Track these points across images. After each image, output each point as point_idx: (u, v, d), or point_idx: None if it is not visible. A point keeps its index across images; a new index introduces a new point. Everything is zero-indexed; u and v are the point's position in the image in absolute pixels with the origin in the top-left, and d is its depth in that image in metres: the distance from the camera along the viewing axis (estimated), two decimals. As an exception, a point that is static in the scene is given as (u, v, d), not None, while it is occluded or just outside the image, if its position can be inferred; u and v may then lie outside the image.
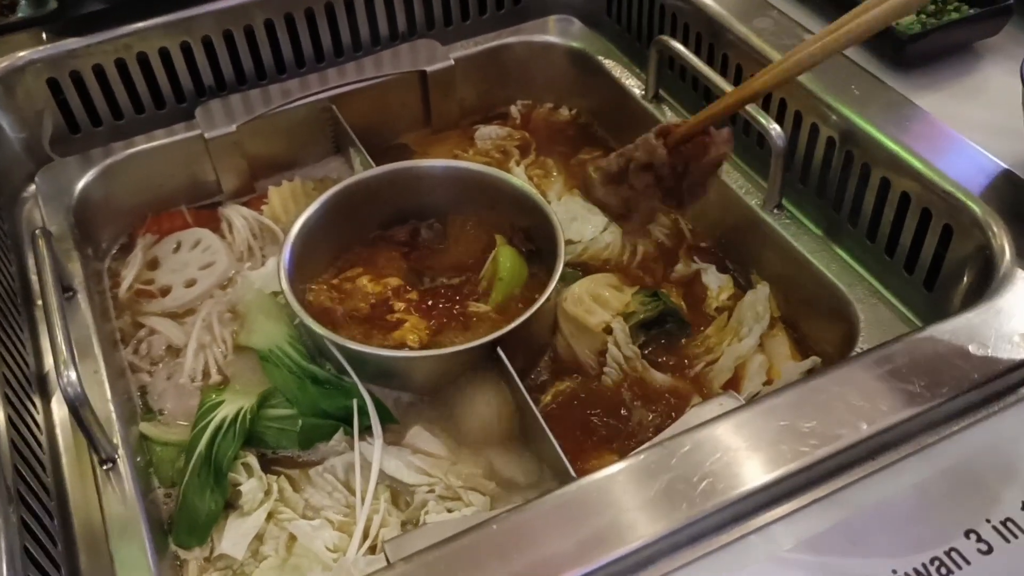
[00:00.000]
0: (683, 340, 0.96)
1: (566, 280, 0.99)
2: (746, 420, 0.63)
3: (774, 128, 0.90)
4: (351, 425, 0.84)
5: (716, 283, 1.00)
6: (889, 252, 0.87)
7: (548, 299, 0.89)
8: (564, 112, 1.26)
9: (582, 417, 0.90)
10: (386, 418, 0.85)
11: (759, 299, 0.94)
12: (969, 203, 0.78)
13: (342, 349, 0.85)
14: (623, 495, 0.59)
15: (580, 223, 1.06)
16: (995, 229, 0.76)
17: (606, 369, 0.93)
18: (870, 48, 0.95)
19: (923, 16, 0.95)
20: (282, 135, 1.13)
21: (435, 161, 1.02)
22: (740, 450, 0.61)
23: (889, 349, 0.67)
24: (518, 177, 1.14)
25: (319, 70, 1.17)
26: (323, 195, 0.96)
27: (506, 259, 0.99)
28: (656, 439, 0.75)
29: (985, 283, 0.74)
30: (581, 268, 1.03)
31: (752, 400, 0.65)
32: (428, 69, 1.16)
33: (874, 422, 0.62)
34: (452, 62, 1.17)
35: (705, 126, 0.86)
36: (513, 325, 0.84)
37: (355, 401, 0.84)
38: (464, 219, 1.05)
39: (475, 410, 0.85)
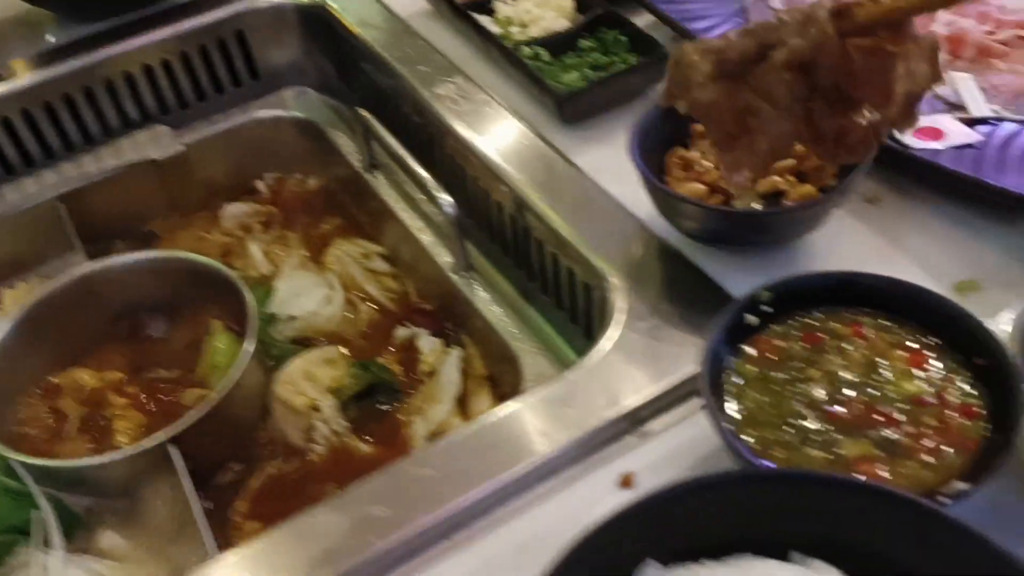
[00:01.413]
0: (395, 407, 0.98)
1: (286, 357, 1.00)
2: (339, 505, 0.65)
3: (443, 199, 0.92)
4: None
5: (428, 346, 1.01)
6: (560, 304, 0.90)
7: (239, 384, 0.90)
8: (311, 183, 1.27)
9: (290, 499, 0.91)
10: (71, 525, 0.86)
11: (451, 363, 0.96)
12: (599, 264, 0.81)
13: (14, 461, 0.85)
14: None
15: (304, 298, 1.08)
16: (616, 285, 0.78)
17: (313, 446, 0.94)
18: (539, 103, 0.98)
19: (588, 70, 0.98)
20: (11, 237, 1.13)
21: (127, 256, 1.02)
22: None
23: (485, 420, 0.70)
24: (254, 254, 1.16)
25: (51, 166, 1.17)
26: (13, 316, 0.96)
27: (221, 343, 1.00)
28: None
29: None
30: (304, 343, 1.05)
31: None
32: (158, 157, 1.17)
33: (451, 500, 0.64)
34: (183, 148, 1.18)
35: (903, 16, 0.51)
36: (182, 425, 0.85)
37: (36, 512, 0.84)
38: (188, 307, 1.06)
39: (155, 509, 0.86)
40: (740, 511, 0.51)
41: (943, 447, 0.58)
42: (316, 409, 0.95)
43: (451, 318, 1.04)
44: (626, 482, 0.66)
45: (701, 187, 0.78)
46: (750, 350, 0.65)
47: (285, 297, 1.08)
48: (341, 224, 1.20)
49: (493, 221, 0.96)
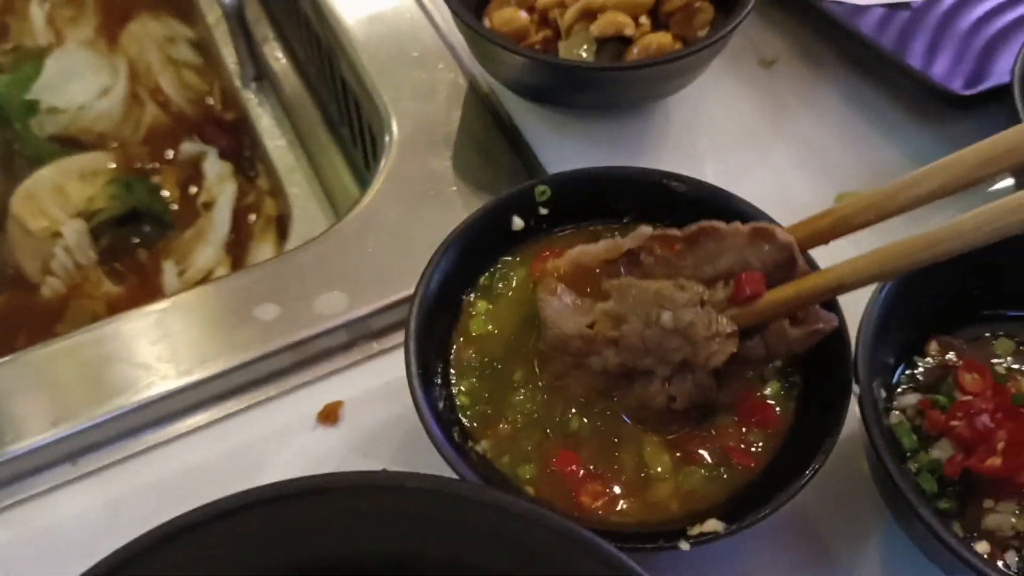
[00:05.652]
0: (159, 241, 0.80)
1: (43, 160, 0.81)
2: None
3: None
4: None
5: (214, 171, 0.81)
6: (355, 141, 0.70)
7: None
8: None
9: (10, 341, 0.74)
10: None
11: (225, 199, 0.77)
12: (383, 105, 0.60)
13: None
14: None
15: (75, 85, 0.86)
16: (394, 137, 0.58)
17: (49, 279, 0.76)
18: None
19: None
20: None
21: None
22: None
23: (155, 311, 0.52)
24: (34, 18, 0.93)
25: None
26: None
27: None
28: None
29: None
30: (68, 143, 0.84)
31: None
32: None
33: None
34: None
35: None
36: None
37: None
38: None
39: None
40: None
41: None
42: (58, 235, 0.76)
43: (250, 135, 0.83)
44: (327, 416, 0.49)
45: (523, 17, 0.56)
46: (512, 268, 0.46)
47: (52, 81, 0.86)
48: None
49: (291, 21, 0.73)
